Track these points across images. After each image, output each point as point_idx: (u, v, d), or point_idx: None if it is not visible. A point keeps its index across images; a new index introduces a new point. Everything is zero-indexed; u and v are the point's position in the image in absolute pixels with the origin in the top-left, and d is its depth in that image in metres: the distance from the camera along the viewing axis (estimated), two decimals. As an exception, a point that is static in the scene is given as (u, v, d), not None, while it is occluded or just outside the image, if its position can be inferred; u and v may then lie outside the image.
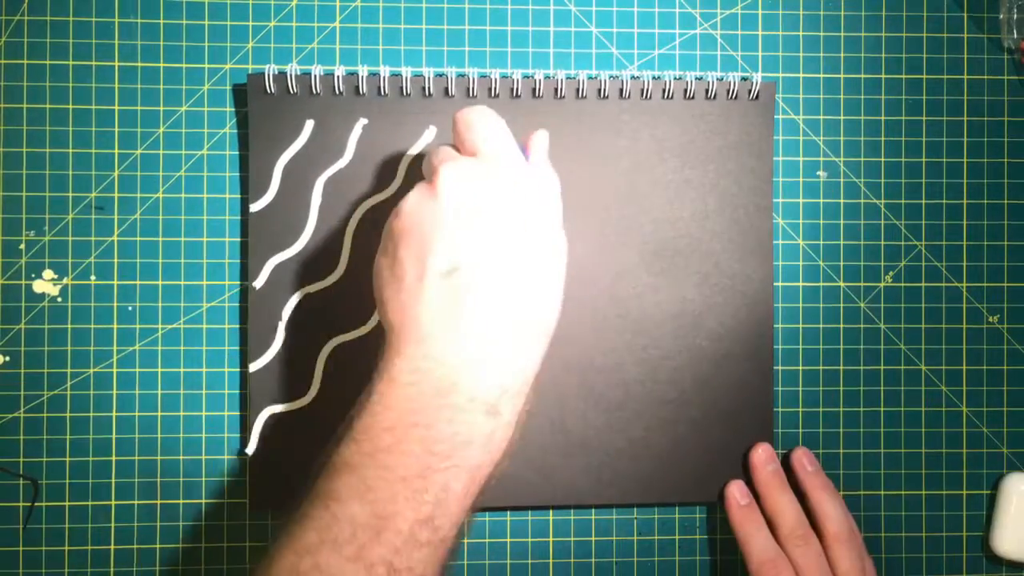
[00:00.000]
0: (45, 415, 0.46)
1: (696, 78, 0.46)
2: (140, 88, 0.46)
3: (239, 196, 0.46)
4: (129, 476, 0.46)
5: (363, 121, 0.46)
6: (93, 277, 0.46)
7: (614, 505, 0.47)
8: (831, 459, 0.48)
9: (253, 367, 0.45)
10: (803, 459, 0.46)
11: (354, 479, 0.32)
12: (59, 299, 0.46)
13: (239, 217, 0.46)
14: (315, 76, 0.45)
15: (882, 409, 0.48)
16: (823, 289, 0.48)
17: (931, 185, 0.49)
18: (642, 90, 0.46)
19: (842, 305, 0.48)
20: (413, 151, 0.46)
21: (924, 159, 0.49)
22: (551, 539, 0.47)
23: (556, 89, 0.46)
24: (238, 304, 0.46)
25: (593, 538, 0.47)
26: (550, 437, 0.46)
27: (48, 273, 0.46)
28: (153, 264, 0.46)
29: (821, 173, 0.48)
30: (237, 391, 0.46)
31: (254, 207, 0.45)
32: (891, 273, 0.48)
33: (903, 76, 0.48)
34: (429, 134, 0.46)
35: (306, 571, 0.31)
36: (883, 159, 0.48)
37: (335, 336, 0.45)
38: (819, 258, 0.48)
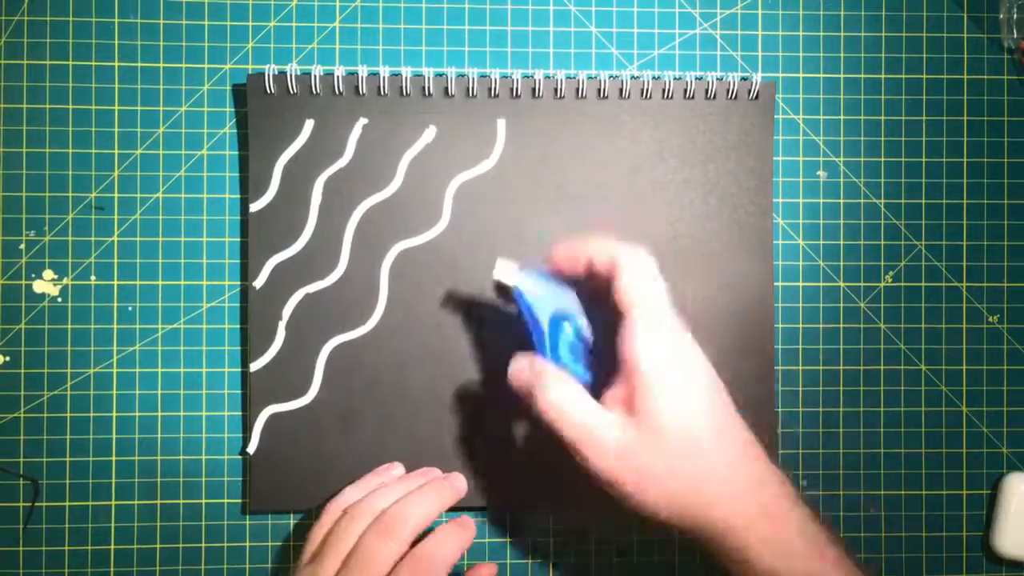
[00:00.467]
0: (45, 415, 0.46)
1: (696, 78, 0.46)
2: (140, 88, 0.46)
3: (239, 196, 0.46)
4: (129, 476, 0.46)
5: (363, 121, 0.46)
6: (93, 277, 0.46)
7: (614, 505, 0.47)
8: (831, 459, 0.48)
9: (254, 367, 0.45)
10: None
11: None
12: (59, 299, 0.46)
13: (239, 217, 0.46)
14: (315, 76, 0.45)
15: (882, 409, 0.48)
16: (823, 289, 0.48)
17: (931, 185, 0.48)
18: (642, 90, 0.46)
19: (842, 305, 0.48)
20: (413, 151, 0.46)
21: (924, 159, 0.49)
22: (551, 539, 0.47)
23: (556, 89, 0.46)
24: (238, 304, 0.46)
25: (593, 538, 0.47)
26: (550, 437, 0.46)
27: (48, 273, 0.46)
28: (153, 264, 0.46)
29: (821, 173, 0.48)
30: (237, 391, 0.46)
31: (254, 207, 0.45)
32: (891, 273, 0.48)
33: (903, 76, 0.48)
34: (429, 134, 0.46)
35: None
36: (883, 159, 0.48)
37: (335, 336, 0.45)
38: (819, 258, 0.48)
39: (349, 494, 0.43)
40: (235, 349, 0.46)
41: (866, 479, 0.48)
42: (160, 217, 0.46)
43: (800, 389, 0.48)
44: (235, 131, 0.46)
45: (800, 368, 0.48)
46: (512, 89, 0.46)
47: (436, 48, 0.47)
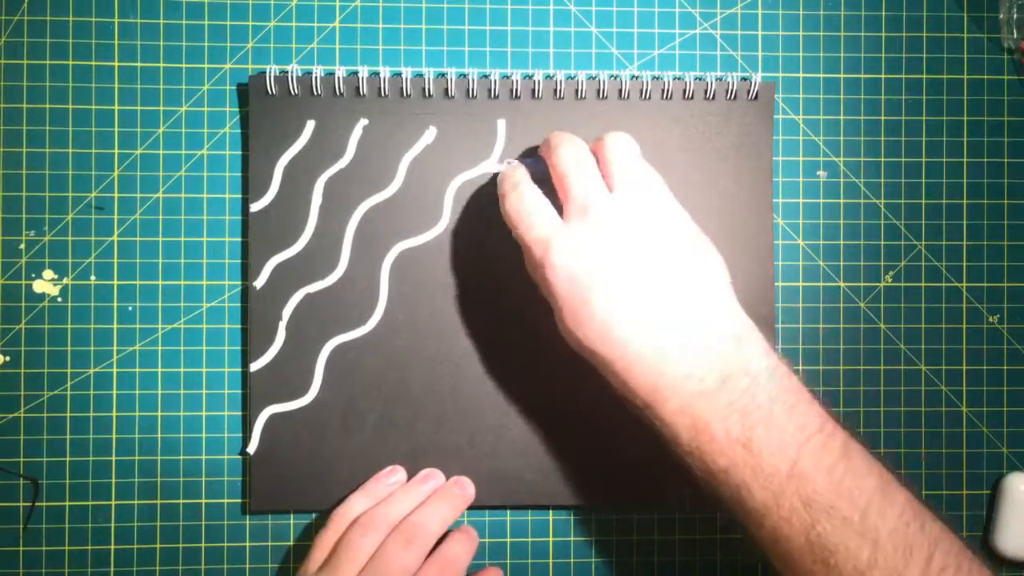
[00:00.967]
0: (45, 415, 0.46)
1: (696, 78, 0.46)
2: (140, 88, 0.46)
3: (239, 196, 0.46)
4: (129, 476, 0.46)
5: (363, 121, 0.46)
6: (93, 277, 0.46)
7: (614, 505, 0.47)
8: (831, 459, 0.48)
9: (254, 367, 0.45)
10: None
11: None
12: (59, 299, 0.46)
13: (239, 217, 0.46)
14: (316, 76, 0.45)
15: (882, 409, 0.48)
16: (823, 289, 0.48)
17: (931, 185, 0.49)
18: (641, 90, 0.46)
19: (842, 305, 0.48)
20: (413, 151, 0.46)
21: (924, 159, 0.49)
22: (551, 539, 0.47)
23: (556, 89, 0.46)
24: (238, 304, 0.46)
25: (593, 538, 0.47)
26: (549, 437, 0.46)
27: (48, 273, 0.46)
28: (153, 264, 0.46)
29: (821, 173, 0.48)
30: (237, 391, 0.46)
31: (254, 207, 0.45)
32: (891, 273, 0.48)
33: (903, 76, 0.48)
34: (429, 134, 0.46)
35: None
36: (883, 159, 0.48)
37: (335, 336, 0.45)
38: (819, 258, 0.48)
39: (356, 503, 0.43)
40: (235, 349, 0.46)
41: (866, 479, 0.48)
42: (160, 217, 0.46)
43: (800, 389, 0.48)
44: (235, 131, 0.46)
45: (800, 368, 0.48)
46: (512, 90, 0.46)
47: (436, 48, 0.47)
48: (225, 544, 0.46)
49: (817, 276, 0.48)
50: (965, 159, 0.49)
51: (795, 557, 0.34)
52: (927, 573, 0.32)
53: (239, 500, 0.46)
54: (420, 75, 0.46)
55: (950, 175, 0.49)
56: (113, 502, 0.46)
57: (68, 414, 0.46)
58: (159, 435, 0.46)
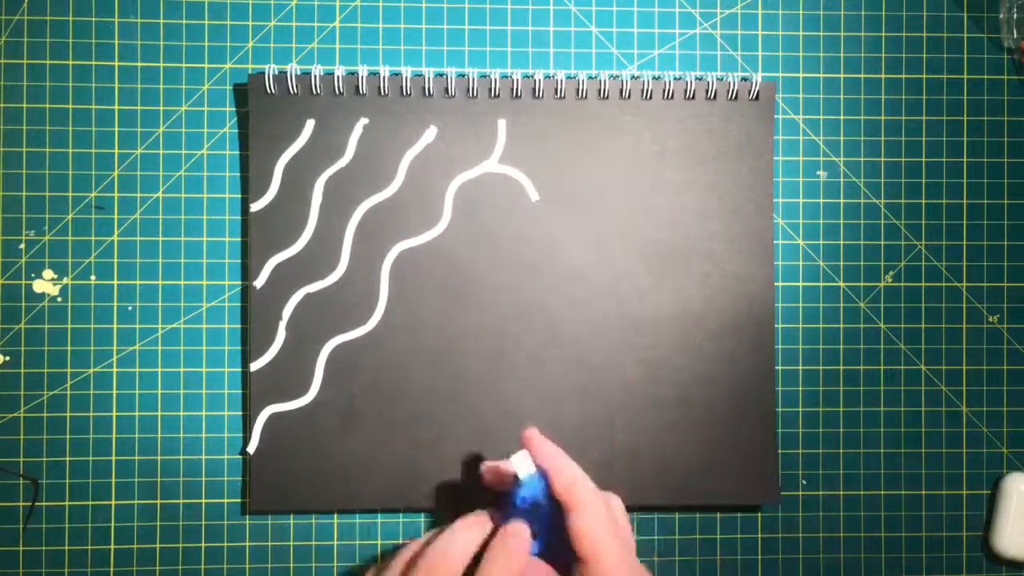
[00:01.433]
0: (45, 415, 0.46)
1: (696, 78, 0.46)
2: (140, 88, 0.46)
3: (239, 196, 0.46)
4: (129, 476, 0.46)
5: (363, 121, 0.46)
6: (93, 277, 0.46)
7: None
8: (831, 459, 0.48)
9: (254, 366, 0.45)
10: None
11: None
12: (59, 299, 0.46)
13: (239, 217, 0.46)
14: (315, 76, 0.45)
15: (882, 409, 0.48)
16: (823, 289, 0.48)
17: (931, 185, 0.49)
18: (642, 90, 0.46)
19: (842, 305, 0.48)
20: (414, 151, 0.46)
21: (924, 159, 0.49)
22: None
23: (556, 89, 0.46)
24: (239, 304, 0.46)
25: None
26: (549, 437, 0.46)
27: (48, 273, 0.46)
28: (153, 264, 0.46)
29: (821, 173, 0.48)
30: (237, 391, 0.46)
31: (254, 207, 0.45)
32: (891, 273, 0.48)
33: (903, 76, 0.49)
34: (429, 134, 0.46)
35: None
36: (883, 159, 0.48)
37: (335, 336, 0.45)
38: (819, 258, 0.48)
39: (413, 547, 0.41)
40: (235, 349, 0.46)
41: (866, 479, 0.48)
42: (160, 217, 0.46)
43: (800, 389, 0.48)
44: (235, 131, 0.46)
45: (800, 368, 0.48)
46: (512, 89, 0.46)
47: (436, 48, 0.47)
48: (225, 544, 0.46)
49: (817, 276, 0.48)
50: (965, 159, 0.49)
51: None
52: None
53: (239, 500, 0.46)
54: (420, 74, 0.46)
55: (950, 175, 0.49)
56: (113, 502, 0.46)
57: (68, 414, 0.46)
58: (159, 435, 0.46)
